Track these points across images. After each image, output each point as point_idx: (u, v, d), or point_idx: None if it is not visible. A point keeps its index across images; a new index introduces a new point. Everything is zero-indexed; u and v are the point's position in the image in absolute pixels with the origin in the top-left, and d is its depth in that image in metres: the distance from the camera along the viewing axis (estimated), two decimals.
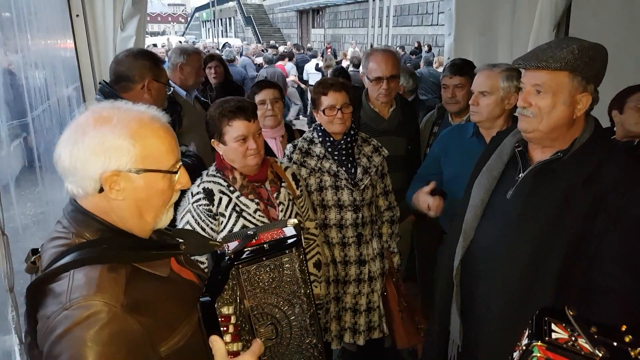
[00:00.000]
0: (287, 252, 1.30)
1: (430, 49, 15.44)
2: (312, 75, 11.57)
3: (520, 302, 1.68)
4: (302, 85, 11.71)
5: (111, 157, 1.10)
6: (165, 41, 24.09)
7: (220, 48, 18.00)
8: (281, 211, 2.22)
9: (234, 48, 16.22)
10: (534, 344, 1.10)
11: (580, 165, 1.62)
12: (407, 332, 2.70)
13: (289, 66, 11.67)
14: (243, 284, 1.26)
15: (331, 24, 29.28)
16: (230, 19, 43.75)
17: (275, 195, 2.24)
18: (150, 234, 1.26)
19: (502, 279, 1.74)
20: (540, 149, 1.74)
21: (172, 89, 3.67)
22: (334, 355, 3.05)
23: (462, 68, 3.05)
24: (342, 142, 2.57)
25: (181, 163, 1.23)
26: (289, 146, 2.67)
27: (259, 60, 13.27)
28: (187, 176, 1.24)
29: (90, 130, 1.10)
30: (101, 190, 1.12)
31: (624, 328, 1.10)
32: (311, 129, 2.68)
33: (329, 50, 18.31)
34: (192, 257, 1.52)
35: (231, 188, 2.16)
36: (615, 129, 2.84)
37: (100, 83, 2.62)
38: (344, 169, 2.57)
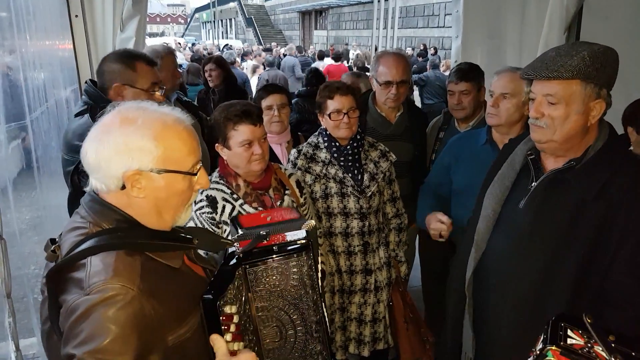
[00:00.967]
0: (295, 255, 1.29)
1: (436, 52, 15.39)
2: None
3: (533, 313, 1.66)
4: None
5: (134, 157, 1.15)
6: (165, 43, 24.03)
7: (220, 50, 17.97)
8: None
9: (234, 50, 16.19)
10: (548, 348, 1.10)
11: (594, 174, 1.60)
12: (411, 344, 2.65)
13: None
14: (249, 285, 1.26)
15: (334, 26, 29.29)
16: (230, 20, 43.84)
17: (278, 203, 2.19)
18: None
19: (514, 291, 1.71)
20: (554, 157, 1.71)
21: (176, 94, 3.59)
22: None
23: (468, 73, 2.98)
24: (348, 147, 2.51)
25: (201, 164, 1.27)
26: (294, 151, 2.62)
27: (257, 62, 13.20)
28: (206, 177, 1.29)
29: (116, 130, 1.16)
30: (123, 187, 1.18)
31: None
32: (316, 133, 2.63)
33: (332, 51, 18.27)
34: (206, 254, 1.55)
35: (235, 196, 2.12)
36: (632, 147, 2.73)
37: (86, 82, 2.51)
38: (350, 175, 2.51)
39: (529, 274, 1.67)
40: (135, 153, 1.15)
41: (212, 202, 2.08)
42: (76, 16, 3.09)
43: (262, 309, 1.28)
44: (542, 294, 1.64)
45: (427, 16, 20.00)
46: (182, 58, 13.01)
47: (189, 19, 54.63)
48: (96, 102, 2.34)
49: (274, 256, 1.28)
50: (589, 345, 1.09)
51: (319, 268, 1.38)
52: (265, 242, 1.32)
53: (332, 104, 2.45)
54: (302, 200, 2.30)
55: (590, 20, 3.37)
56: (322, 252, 2.43)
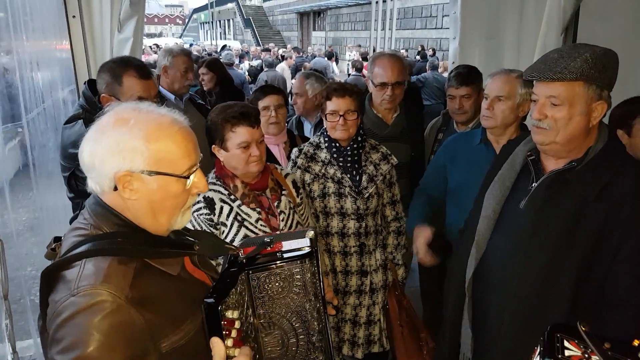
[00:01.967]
0: (298, 262, 1.28)
1: (434, 53, 15.40)
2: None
3: (533, 315, 1.66)
4: None
5: (125, 157, 1.13)
6: (164, 44, 23.99)
7: (218, 51, 17.94)
8: (282, 220, 2.17)
9: (232, 51, 16.15)
10: None
11: (594, 175, 1.60)
12: (407, 349, 2.61)
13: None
14: (252, 291, 1.26)
15: (332, 27, 29.29)
16: (229, 20, 43.81)
17: (276, 203, 2.19)
18: (169, 233, 1.30)
19: (515, 291, 1.71)
20: (554, 158, 1.71)
21: (188, 95, 3.58)
22: None
23: (468, 77, 2.98)
24: (349, 148, 2.51)
25: (198, 167, 1.24)
26: (295, 150, 2.61)
27: (256, 63, 13.20)
28: (204, 181, 1.26)
29: (109, 130, 1.15)
30: (116, 188, 1.16)
31: (636, 343, 1.08)
32: (318, 133, 2.63)
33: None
34: (211, 260, 1.53)
35: (232, 197, 2.11)
36: None
37: (84, 84, 2.49)
38: (348, 176, 2.51)
39: (529, 274, 1.67)
40: (127, 154, 1.13)
41: (209, 203, 2.07)
42: (73, 17, 3.08)
43: (264, 315, 1.27)
44: (542, 294, 1.64)
45: (424, 17, 20.00)
46: None
47: (187, 20, 54.60)
48: (91, 106, 2.34)
49: (278, 262, 1.27)
50: (586, 355, 1.07)
51: (322, 277, 1.35)
52: (269, 249, 1.31)
53: (329, 105, 2.45)
54: (298, 200, 2.30)
55: (588, 21, 3.38)
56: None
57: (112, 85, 2.30)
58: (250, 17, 37.62)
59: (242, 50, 18.78)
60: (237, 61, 12.75)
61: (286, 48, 20.57)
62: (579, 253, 1.58)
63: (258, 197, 2.15)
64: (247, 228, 2.08)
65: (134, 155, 1.13)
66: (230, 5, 41.31)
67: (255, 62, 13.77)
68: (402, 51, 16.94)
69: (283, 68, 11.33)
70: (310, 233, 1.37)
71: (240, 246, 1.36)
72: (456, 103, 2.98)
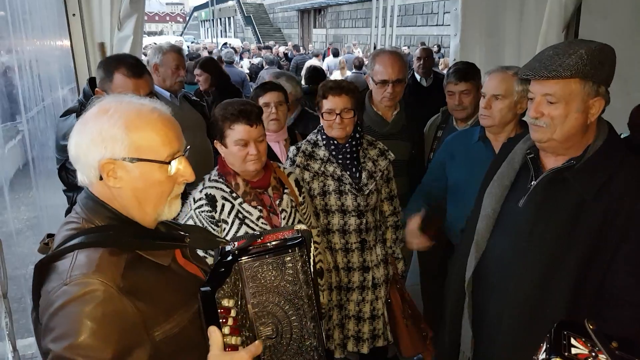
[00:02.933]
0: (289, 251, 1.30)
1: (439, 49, 15.37)
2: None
3: (533, 313, 1.65)
4: None
5: (107, 146, 1.16)
6: (164, 42, 23.96)
7: (219, 48, 17.91)
8: (284, 218, 2.17)
9: (231, 48, 16.13)
10: (552, 358, 1.08)
11: (593, 173, 1.59)
12: (412, 340, 2.65)
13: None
14: (245, 280, 1.27)
15: (333, 24, 29.24)
16: (229, 18, 43.75)
17: (277, 202, 2.19)
18: (159, 226, 1.32)
19: (514, 290, 1.71)
20: (553, 156, 1.70)
21: (183, 92, 3.57)
22: None
23: (467, 73, 2.98)
24: (347, 145, 2.50)
25: (182, 154, 1.26)
26: (292, 148, 2.61)
27: (256, 61, 13.18)
28: (189, 169, 1.27)
29: (91, 120, 1.19)
30: (102, 178, 1.19)
31: None
32: (315, 131, 2.62)
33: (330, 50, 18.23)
34: (201, 253, 1.55)
35: (234, 194, 2.11)
36: None
37: (87, 81, 2.55)
38: (348, 173, 2.50)
39: (529, 273, 1.67)
40: (108, 142, 1.16)
41: (211, 200, 2.08)
42: (73, 15, 3.08)
43: (258, 304, 1.29)
44: (542, 292, 1.64)
45: (425, 14, 19.96)
46: None
47: (187, 18, 54.54)
48: (87, 99, 2.36)
49: (269, 251, 1.29)
50: (594, 354, 1.07)
51: (312, 263, 1.39)
52: (259, 240, 1.34)
53: (325, 104, 2.44)
54: (300, 199, 2.29)
55: (589, 18, 3.37)
56: (320, 250, 2.42)
57: (104, 80, 2.34)
58: (251, 15, 37.55)
59: (242, 48, 18.75)
60: (237, 59, 12.72)
61: (287, 45, 20.53)
62: (578, 251, 1.57)
63: (260, 195, 2.15)
64: (248, 226, 2.08)
65: (114, 143, 1.16)
66: (230, 3, 41.25)
67: (256, 60, 13.75)
68: (403, 48, 16.92)
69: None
70: (299, 226, 1.41)
71: (232, 240, 1.38)
72: (455, 99, 2.98)
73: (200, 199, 2.08)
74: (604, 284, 1.57)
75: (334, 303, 2.60)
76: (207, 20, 46.34)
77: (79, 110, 2.35)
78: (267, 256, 1.28)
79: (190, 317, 1.24)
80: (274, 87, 2.95)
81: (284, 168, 2.34)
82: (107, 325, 1.06)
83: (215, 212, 2.07)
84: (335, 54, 13.76)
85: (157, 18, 57.08)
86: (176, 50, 3.53)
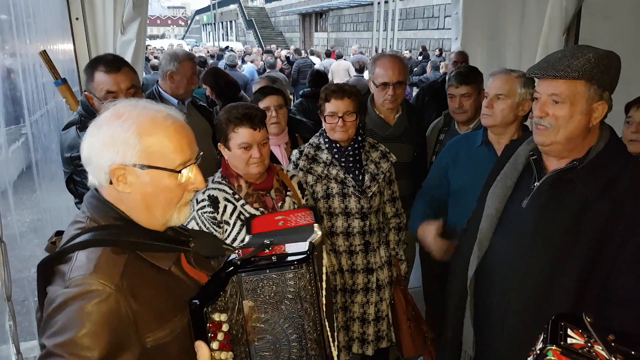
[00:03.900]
0: (292, 267, 1.22)
1: (441, 53, 15.37)
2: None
3: (536, 313, 1.65)
4: None
5: (118, 150, 1.15)
6: (167, 45, 23.99)
7: (221, 51, 17.96)
8: None
9: (234, 52, 16.15)
10: (549, 347, 1.09)
11: (596, 174, 1.60)
12: (414, 341, 2.67)
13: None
14: (244, 293, 1.22)
15: (334, 28, 29.30)
16: (231, 22, 43.86)
17: (280, 204, 2.19)
18: (167, 230, 1.31)
19: (517, 290, 1.71)
20: (556, 158, 1.71)
21: (190, 98, 3.55)
22: None
23: (468, 76, 2.99)
24: (349, 148, 2.51)
25: (193, 163, 1.25)
26: (295, 152, 2.62)
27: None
28: (201, 177, 1.27)
29: (105, 124, 1.18)
30: (112, 182, 1.18)
31: None
32: (317, 134, 2.63)
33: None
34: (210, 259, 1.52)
35: (236, 196, 2.12)
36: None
37: (83, 92, 2.59)
38: (351, 176, 2.51)
39: (532, 273, 1.67)
40: (120, 147, 1.15)
41: (213, 201, 2.09)
42: (77, 19, 3.10)
43: (256, 320, 1.24)
44: (545, 293, 1.64)
45: (427, 18, 19.98)
46: None
47: (189, 21, 54.70)
48: (87, 112, 2.38)
49: (270, 266, 1.23)
50: (589, 344, 1.09)
51: (323, 285, 1.31)
52: (267, 251, 1.28)
53: (328, 107, 2.46)
54: (303, 201, 2.30)
55: (590, 21, 3.38)
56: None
57: (88, 82, 2.37)
58: (253, 19, 37.63)
59: (244, 52, 18.79)
60: (239, 62, 12.74)
61: (289, 49, 20.56)
62: (581, 252, 1.58)
63: (262, 198, 2.16)
64: None
65: (126, 148, 1.15)
66: (232, 6, 41.36)
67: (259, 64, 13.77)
68: (405, 52, 16.93)
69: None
70: (315, 236, 1.34)
71: (241, 247, 1.34)
72: (456, 102, 2.99)
73: (202, 200, 2.09)
74: (607, 284, 1.57)
75: (339, 305, 2.60)
76: (208, 24, 46.47)
77: (79, 122, 2.37)
78: (267, 270, 1.22)
79: (184, 325, 1.21)
80: (273, 90, 2.96)
81: (287, 171, 2.35)
82: (101, 325, 1.06)
83: (218, 213, 2.09)
84: (340, 56, 13.82)
85: (158, 21, 57.24)
86: (191, 58, 3.48)
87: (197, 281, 1.32)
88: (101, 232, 1.18)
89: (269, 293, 1.23)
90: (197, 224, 2.08)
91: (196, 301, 1.15)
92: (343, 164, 2.52)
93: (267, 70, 9.83)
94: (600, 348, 1.07)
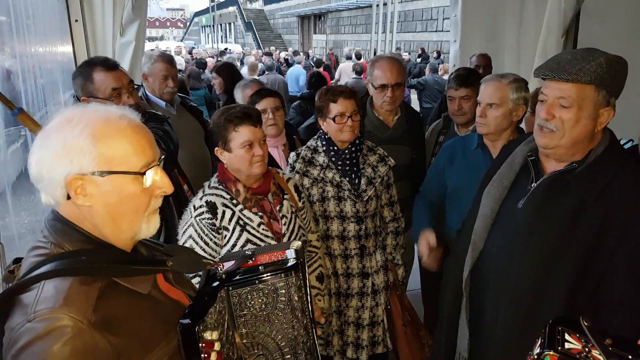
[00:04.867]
0: (282, 275, 1.19)
1: (439, 55, 15.40)
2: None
3: (529, 315, 1.65)
4: None
5: (73, 159, 1.03)
6: (165, 47, 23.96)
7: (219, 53, 17.96)
8: (284, 224, 2.17)
9: (234, 54, 16.17)
10: (546, 353, 1.09)
11: (594, 178, 1.60)
12: (410, 347, 2.63)
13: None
14: (232, 308, 1.17)
15: (333, 30, 29.34)
16: (230, 24, 43.88)
17: (278, 208, 2.19)
18: (140, 248, 1.21)
19: (511, 290, 1.71)
20: (557, 160, 1.70)
21: (179, 99, 3.53)
22: None
23: (468, 79, 3.00)
24: (347, 151, 2.51)
25: (157, 164, 1.14)
26: (292, 155, 2.61)
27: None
28: (167, 180, 1.15)
29: (53, 132, 1.05)
30: (69, 197, 1.06)
31: None
32: (315, 137, 2.62)
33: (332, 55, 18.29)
34: (189, 275, 1.44)
35: (234, 201, 2.11)
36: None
37: (73, 97, 2.57)
38: (347, 179, 2.51)
39: (526, 273, 1.67)
40: (74, 155, 1.03)
41: (211, 207, 2.07)
42: (76, 21, 3.10)
43: (246, 335, 1.19)
44: (538, 294, 1.64)
45: (425, 20, 20.03)
46: (182, 62, 13.04)
47: (188, 23, 54.71)
48: None
49: (259, 277, 1.18)
50: (587, 349, 1.08)
51: (309, 291, 1.26)
52: (250, 262, 1.23)
53: (335, 108, 2.45)
54: (300, 204, 2.30)
55: (588, 23, 3.39)
56: (320, 255, 2.42)
57: (86, 85, 2.35)
58: (252, 21, 37.67)
59: (243, 54, 18.80)
60: (238, 64, 12.75)
61: (288, 51, 20.58)
62: (575, 254, 1.57)
63: (260, 202, 2.15)
64: (249, 232, 2.08)
65: (81, 156, 1.04)
66: (231, 8, 41.40)
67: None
68: (404, 54, 16.96)
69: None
70: (296, 244, 1.29)
71: (220, 260, 1.28)
72: (455, 104, 3.00)
73: (200, 207, 2.07)
74: (601, 286, 1.56)
75: (333, 309, 2.59)
76: (207, 26, 46.48)
77: None
78: (256, 282, 1.18)
79: (171, 350, 1.13)
80: (270, 93, 2.97)
81: (283, 174, 2.35)
82: None
83: (216, 219, 2.07)
84: (349, 57, 13.83)
85: (157, 23, 57.26)
86: (166, 60, 3.37)
87: (178, 301, 1.22)
88: (69, 260, 1.05)
89: (259, 305, 1.19)
90: (196, 230, 2.05)
91: (187, 320, 1.08)
92: (340, 167, 2.52)
93: (266, 73, 9.83)
94: (598, 352, 1.07)
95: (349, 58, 13.74)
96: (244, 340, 1.19)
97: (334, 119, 2.46)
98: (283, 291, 1.19)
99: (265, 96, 2.91)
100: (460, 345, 1.92)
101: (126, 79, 2.41)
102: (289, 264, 1.20)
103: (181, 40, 38.78)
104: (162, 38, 47.01)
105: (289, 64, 14.62)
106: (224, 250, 2.09)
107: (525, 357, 1.16)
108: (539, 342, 1.14)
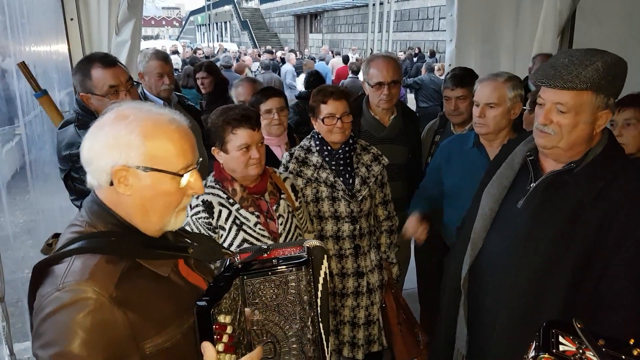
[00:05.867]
0: (293, 270, 1.26)
1: (432, 55, 15.42)
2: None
3: (527, 314, 1.66)
4: None
5: (122, 152, 1.15)
6: (160, 46, 23.83)
7: (216, 53, 17.91)
8: (281, 224, 2.17)
9: (229, 53, 16.13)
10: (541, 356, 1.10)
11: (592, 178, 1.60)
12: (406, 345, 2.64)
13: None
14: (245, 296, 1.24)
15: (329, 29, 29.35)
16: (226, 23, 43.83)
17: (274, 207, 2.18)
18: (167, 234, 1.31)
19: (509, 290, 1.72)
20: (555, 161, 1.71)
21: (177, 97, 3.53)
22: None
23: (464, 79, 3.00)
24: (340, 151, 2.51)
25: (195, 167, 1.25)
26: (286, 155, 2.61)
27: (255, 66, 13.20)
28: (200, 183, 1.26)
29: (108, 125, 1.17)
30: (112, 183, 1.17)
31: (632, 342, 1.10)
32: (309, 137, 2.62)
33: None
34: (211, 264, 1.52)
35: (231, 200, 2.10)
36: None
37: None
38: (341, 179, 2.51)
39: (524, 273, 1.67)
40: (123, 148, 1.15)
41: (208, 207, 2.07)
42: (71, 19, 3.09)
43: (257, 322, 1.26)
44: (536, 294, 1.64)
45: (421, 20, 20.05)
46: (178, 61, 13.02)
47: (183, 22, 54.58)
48: (83, 110, 2.36)
49: (272, 269, 1.25)
50: (581, 351, 1.09)
51: (323, 282, 1.34)
52: (265, 255, 1.30)
53: (325, 109, 2.45)
54: (297, 204, 2.30)
55: (583, 24, 3.40)
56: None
57: (84, 81, 2.34)
58: (247, 20, 37.62)
59: (239, 52, 18.77)
60: (234, 63, 12.73)
61: (283, 50, 20.56)
62: (574, 254, 1.58)
63: (257, 201, 2.14)
64: (245, 232, 2.08)
65: (129, 150, 1.15)
66: (227, 7, 41.34)
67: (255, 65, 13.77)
68: (399, 53, 16.97)
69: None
70: (312, 242, 1.36)
71: (239, 252, 1.35)
72: (452, 104, 3.00)
73: (196, 206, 2.06)
74: (599, 286, 1.57)
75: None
76: (203, 25, 46.38)
77: (76, 120, 2.35)
78: (269, 273, 1.24)
79: (184, 331, 1.21)
80: (275, 92, 2.96)
81: (280, 173, 2.34)
82: (95, 335, 1.05)
83: (212, 219, 2.07)
84: (338, 53, 13.92)
85: (153, 22, 57.10)
86: (160, 57, 3.39)
87: (195, 286, 1.31)
88: (99, 240, 1.17)
89: (270, 295, 1.25)
90: (192, 229, 2.04)
91: (204, 302, 1.15)
92: (333, 167, 2.51)
93: (262, 72, 9.81)
94: (592, 354, 1.08)
95: (338, 54, 13.82)
96: (255, 327, 1.25)
97: (323, 120, 2.46)
98: (293, 284, 1.26)
99: (271, 96, 2.90)
100: (459, 342, 1.93)
101: (124, 76, 2.40)
102: (300, 260, 1.27)
103: (177, 39, 38.64)
104: (157, 37, 46.88)
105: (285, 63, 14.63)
106: None
107: (523, 355, 1.16)
108: (534, 345, 1.15)
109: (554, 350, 1.10)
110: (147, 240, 1.24)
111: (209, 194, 2.10)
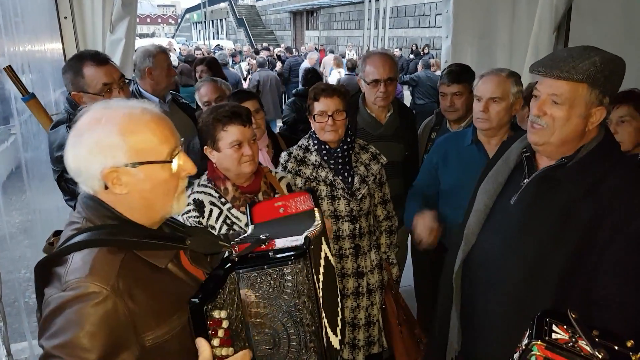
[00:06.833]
0: (290, 263, 1.25)
1: (428, 51, 15.41)
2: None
3: (518, 308, 1.67)
4: None
5: (106, 155, 1.16)
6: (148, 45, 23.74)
7: (212, 50, 17.87)
8: None
9: (226, 50, 16.12)
10: (534, 342, 1.11)
11: (584, 174, 1.60)
12: (406, 346, 2.63)
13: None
14: (242, 290, 1.24)
15: (326, 26, 29.29)
16: (221, 20, 43.71)
17: None
18: (162, 226, 1.33)
19: (501, 285, 1.73)
20: (549, 157, 1.71)
21: (170, 95, 3.53)
22: None
23: (460, 75, 3.00)
24: (339, 150, 2.50)
25: (180, 149, 1.27)
26: (284, 154, 2.59)
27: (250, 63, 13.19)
28: (190, 162, 1.29)
29: (85, 132, 1.18)
30: (107, 187, 1.20)
31: (630, 344, 1.10)
32: (307, 136, 2.60)
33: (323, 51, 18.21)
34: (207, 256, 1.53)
35: (222, 199, 2.10)
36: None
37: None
38: (340, 178, 2.50)
39: (516, 269, 1.68)
40: (107, 151, 1.16)
41: (199, 205, 2.06)
42: (65, 18, 3.06)
43: (255, 315, 1.26)
44: (529, 289, 1.65)
45: (417, 16, 20.03)
46: (174, 59, 12.97)
47: (179, 20, 54.40)
48: (74, 109, 2.35)
49: (269, 262, 1.25)
50: (573, 339, 1.11)
51: (320, 278, 1.34)
52: (263, 246, 1.30)
53: (317, 106, 2.43)
54: None
55: (579, 20, 3.40)
56: None
57: (76, 80, 2.33)
58: (243, 17, 37.53)
59: (235, 50, 18.72)
60: (230, 61, 12.70)
61: (280, 47, 20.53)
62: (566, 250, 1.58)
63: (249, 201, 2.12)
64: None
65: (114, 151, 1.17)
66: (223, 5, 41.20)
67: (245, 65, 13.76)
68: (395, 50, 16.97)
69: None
70: (313, 227, 1.36)
71: (237, 243, 1.36)
72: (447, 101, 2.99)
73: (188, 204, 2.04)
74: (590, 282, 1.57)
75: None
76: (199, 22, 46.24)
77: (67, 120, 2.34)
78: (265, 267, 1.24)
79: (183, 323, 1.23)
80: (248, 95, 2.88)
81: (275, 172, 2.33)
82: (97, 326, 1.08)
83: (203, 218, 2.06)
84: (332, 51, 13.90)
85: (148, 20, 56.91)
86: (163, 51, 3.47)
87: (196, 278, 1.34)
88: (96, 233, 1.19)
89: (267, 288, 1.25)
90: None
91: (195, 300, 1.16)
92: (332, 166, 2.50)
93: (257, 70, 9.80)
94: (584, 343, 1.09)
95: (331, 52, 13.80)
96: (252, 319, 1.26)
97: (315, 118, 2.44)
98: (290, 277, 1.25)
99: (244, 99, 2.79)
100: (452, 335, 1.94)
101: (117, 74, 2.40)
102: (296, 252, 1.26)
103: (172, 37, 38.52)
104: (153, 35, 46.71)
105: (282, 61, 14.60)
106: None
107: (514, 351, 1.17)
108: (527, 333, 1.16)
109: (547, 338, 1.11)
110: (143, 231, 1.26)
111: (200, 192, 2.09)
